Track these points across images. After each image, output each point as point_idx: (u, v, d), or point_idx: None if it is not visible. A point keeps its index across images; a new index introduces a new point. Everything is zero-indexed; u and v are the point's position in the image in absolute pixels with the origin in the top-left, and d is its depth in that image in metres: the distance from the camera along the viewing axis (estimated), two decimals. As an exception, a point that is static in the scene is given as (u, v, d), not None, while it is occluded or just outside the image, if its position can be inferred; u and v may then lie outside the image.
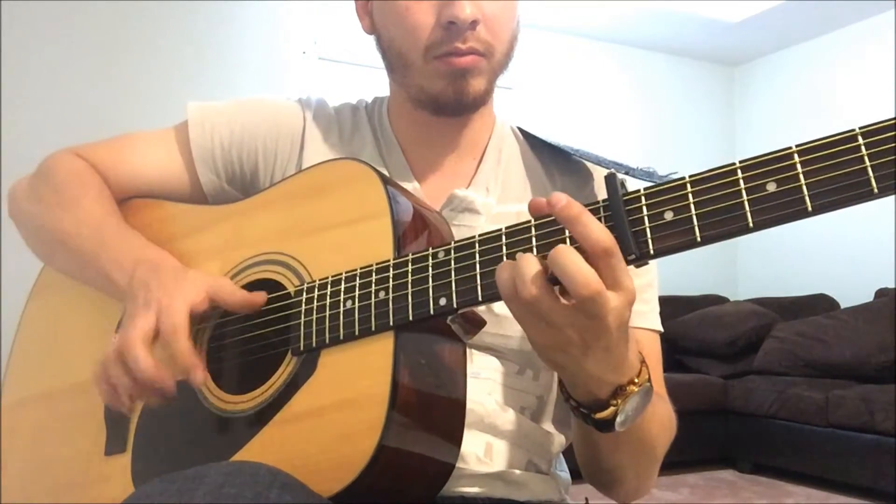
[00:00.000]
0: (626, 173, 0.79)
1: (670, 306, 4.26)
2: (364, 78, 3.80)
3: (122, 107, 3.53)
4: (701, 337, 4.17)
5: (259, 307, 0.75)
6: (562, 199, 0.57)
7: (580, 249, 0.57)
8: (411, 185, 0.88)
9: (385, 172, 0.84)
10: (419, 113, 0.87)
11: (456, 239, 0.66)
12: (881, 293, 4.02)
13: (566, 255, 0.56)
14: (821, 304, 4.31)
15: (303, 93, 0.99)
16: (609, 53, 4.97)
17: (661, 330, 0.88)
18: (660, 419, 0.78)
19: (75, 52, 3.54)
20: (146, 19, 3.69)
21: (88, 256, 0.83)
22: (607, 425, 0.64)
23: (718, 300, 4.65)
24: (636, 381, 0.64)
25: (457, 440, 0.69)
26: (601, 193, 0.89)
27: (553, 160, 0.93)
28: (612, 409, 0.64)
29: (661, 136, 5.03)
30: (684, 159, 4.95)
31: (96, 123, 3.40)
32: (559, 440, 0.87)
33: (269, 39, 3.98)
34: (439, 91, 0.82)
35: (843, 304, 4.23)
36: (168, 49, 3.73)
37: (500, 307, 0.74)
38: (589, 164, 0.92)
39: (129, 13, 3.65)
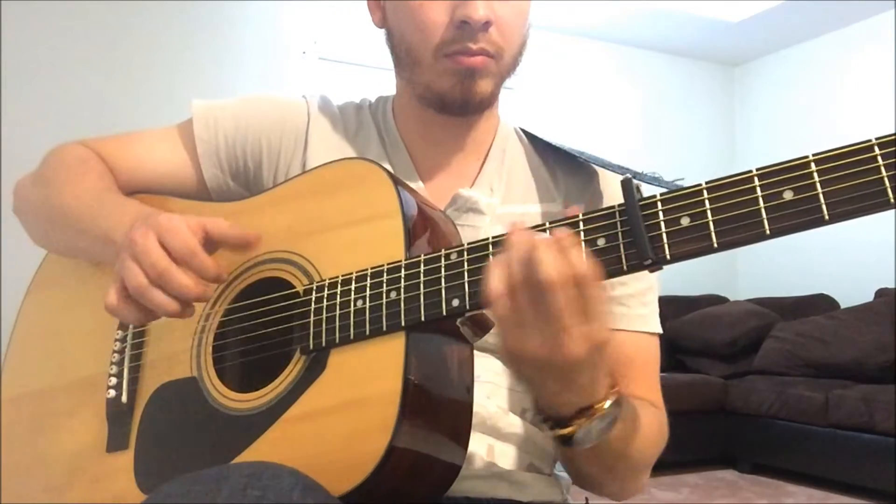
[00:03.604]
0: (633, 177, 0.79)
1: (670, 306, 4.26)
2: (364, 78, 3.81)
3: (122, 107, 3.53)
4: (701, 337, 4.18)
5: (253, 244, 0.75)
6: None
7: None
8: (416, 185, 0.88)
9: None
10: (425, 111, 0.87)
11: (461, 239, 0.66)
12: (881, 293, 4.03)
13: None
14: (821, 304, 4.31)
15: (304, 92, 0.99)
16: (609, 53, 4.97)
17: (661, 332, 0.88)
18: (644, 433, 0.77)
19: (75, 51, 3.54)
20: (146, 19, 3.69)
21: (87, 222, 0.83)
22: (568, 441, 0.65)
23: (718, 300, 4.65)
24: (597, 406, 0.65)
25: (464, 441, 0.69)
26: (605, 193, 0.89)
27: (557, 161, 0.93)
28: (573, 427, 0.65)
29: (661, 135, 5.03)
30: (684, 159, 4.95)
31: (97, 123, 3.39)
32: (560, 443, 0.87)
33: (269, 39, 3.97)
34: (446, 90, 0.82)
35: (843, 304, 4.23)
36: (168, 49, 3.73)
37: None
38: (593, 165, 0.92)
39: (130, 13, 3.65)
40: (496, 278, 0.59)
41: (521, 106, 4.29)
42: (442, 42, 0.80)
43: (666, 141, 5.02)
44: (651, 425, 0.79)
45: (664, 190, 0.59)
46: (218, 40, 3.86)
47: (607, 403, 0.65)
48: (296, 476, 0.58)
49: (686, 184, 0.60)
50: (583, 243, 0.60)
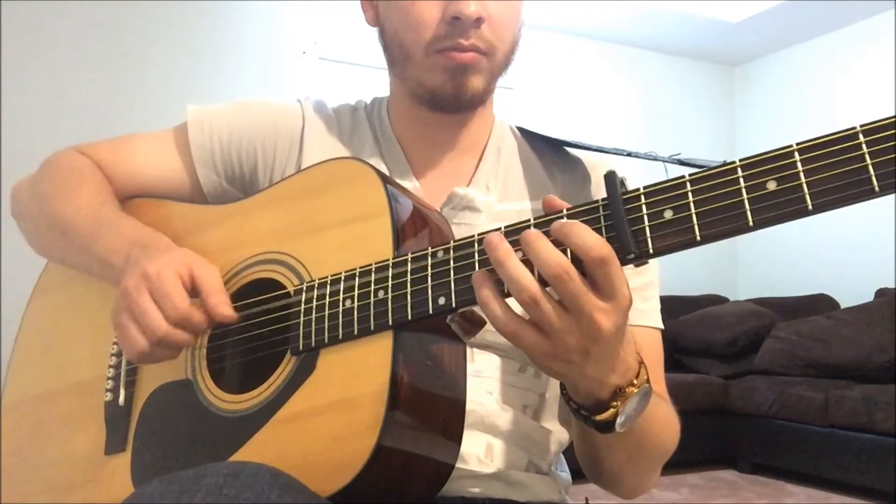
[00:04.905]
0: (629, 156, 0.79)
1: (670, 306, 4.20)
2: (364, 78, 3.81)
3: (122, 107, 3.54)
4: (701, 337, 4.17)
5: (231, 322, 0.74)
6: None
7: (576, 260, 0.57)
8: (411, 184, 0.88)
9: (385, 171, 0.84)
10: (418, 110, 0.87)
11: (456, 237, 0.66)
12: (881, 293, 4.02)
13: (576, 224, 0.57)
14: (821, 304, 4.30)
15: (303, 93, 0.99)
16: (609, 53, 4.97)
17: (662, 327, 0.88)
18: (662, 420, 0.78)
19: (75, 52, 3.54)
20: (146, 20, 3.69)
21: (86, 242, 0.84)
22: (608, 426, 0.64)
23: (718, 300, 4.65)
24: (635, 382, 0.64)
25: (457, 440, 0.69)
26: (600, 191, 0.89)
27: (553, 159, 0.93)
28: (612, 410, 0.64)
29: (661, 136, 5.02)
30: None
31: (96, 124, 3.41)
32: (560, 439, 0.87)
33: (269, 39, 3.98)
34: (438, 85, 0.82)
35: (843, 304, 4.23)
36: (168, 49, 3.73)
37: None
38: (588, 163, 0.92)
39: (130, 13, 3.65)
40: (499, 312, 0.58)
41: (520, 106, 4.29)
42: (434, 38, 0.80)
43: (666, 141, 5.01)
44: (666, 413, 0.80)
45: (659, 179, 0.59)
46: (218, 40, 3.87)
47: (643, 375, 0.64)
48: (274, 475, 0.58)
49: (682, 168, 0.60)
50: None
